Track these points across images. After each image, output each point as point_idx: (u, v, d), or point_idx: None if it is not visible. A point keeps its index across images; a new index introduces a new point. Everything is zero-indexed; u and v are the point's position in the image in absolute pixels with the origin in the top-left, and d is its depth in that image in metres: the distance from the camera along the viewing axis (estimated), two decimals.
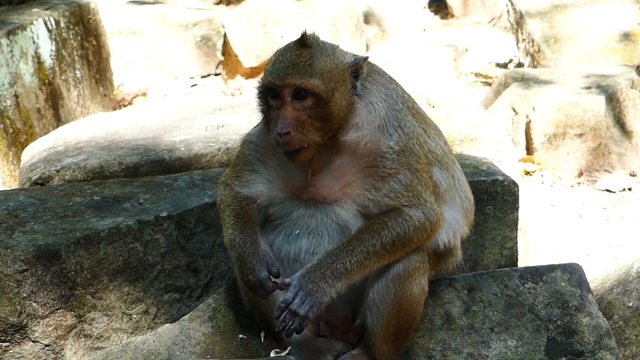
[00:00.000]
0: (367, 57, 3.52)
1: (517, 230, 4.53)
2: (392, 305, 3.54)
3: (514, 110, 8.29)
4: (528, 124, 8.13)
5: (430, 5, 15.18)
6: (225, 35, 11.23)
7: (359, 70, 3.48)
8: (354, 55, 3.53)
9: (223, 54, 11.42)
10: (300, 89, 3.36)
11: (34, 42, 7.87)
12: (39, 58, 7.93)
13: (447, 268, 3.83)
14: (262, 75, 3.48)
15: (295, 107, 3.37)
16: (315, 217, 3.55)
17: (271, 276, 3.53)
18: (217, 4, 13.44)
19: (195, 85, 11.39)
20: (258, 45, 10.97)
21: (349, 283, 3.45)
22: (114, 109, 9.35)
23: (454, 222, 3.68)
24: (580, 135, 8.01)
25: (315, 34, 3.48)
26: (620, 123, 8.07)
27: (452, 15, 14.61)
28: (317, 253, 3.55)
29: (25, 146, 6.30)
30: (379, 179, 3.47)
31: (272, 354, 3.71)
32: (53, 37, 8.17)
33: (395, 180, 3.47)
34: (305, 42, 3.41)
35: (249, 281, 3.56)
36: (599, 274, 4.83)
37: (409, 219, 3.47)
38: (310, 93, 3.36)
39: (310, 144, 3.39)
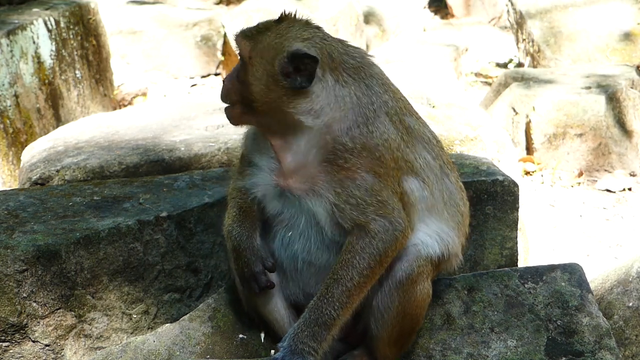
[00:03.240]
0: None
1: (517, 230, 4.52)
2: (396, 311, 3.54)
3: (514, 110, 8.29)
4: (528, 124, 8.13)
5: (430, 5, 15.18)
6: (225, 35, 11.23)
7: (298, 61, 3.39)
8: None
9: (223, 54, 11.42)
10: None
11: (34, 42, 7.87)
12: (39, 58, 7.93)
13: (448, 268, 3.83)
14: None
15: (238, 65, 3.51)
16: (301, 218, 3.51)
17: (266, 270, 3.55)
18: (217, 4, 13.44)
19: (195, 85, 11.38)
20: None
21: (341, 324, 3.46)
22: (114, 109, 9.34)
23: (444, 235, 3.63)
24: (580, 135, 8.01)
25: (301, 16, 3.59)
26: (620, 123, 8.07)
27: (452, 15, 14.61)
28: (311, 262, 3.54)
29: (25, 146, 6.29)
30: (337, 181, 3.38)
31: (272, 353, 3.71)
32: (53, 37, 8.17)
33: (354, 184, 3.38)
34: (280, 18, 3.57)
35: (244, 274, 3.57)
36: (599, 274, 4.83)
37: (374, 234, 3.39)
38: (239, 54, 3.50)
39: (232, 103, 3.50)
